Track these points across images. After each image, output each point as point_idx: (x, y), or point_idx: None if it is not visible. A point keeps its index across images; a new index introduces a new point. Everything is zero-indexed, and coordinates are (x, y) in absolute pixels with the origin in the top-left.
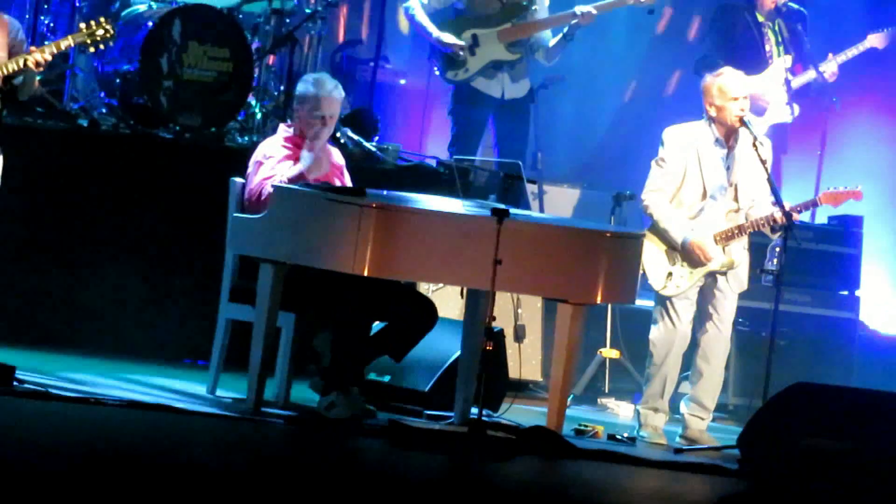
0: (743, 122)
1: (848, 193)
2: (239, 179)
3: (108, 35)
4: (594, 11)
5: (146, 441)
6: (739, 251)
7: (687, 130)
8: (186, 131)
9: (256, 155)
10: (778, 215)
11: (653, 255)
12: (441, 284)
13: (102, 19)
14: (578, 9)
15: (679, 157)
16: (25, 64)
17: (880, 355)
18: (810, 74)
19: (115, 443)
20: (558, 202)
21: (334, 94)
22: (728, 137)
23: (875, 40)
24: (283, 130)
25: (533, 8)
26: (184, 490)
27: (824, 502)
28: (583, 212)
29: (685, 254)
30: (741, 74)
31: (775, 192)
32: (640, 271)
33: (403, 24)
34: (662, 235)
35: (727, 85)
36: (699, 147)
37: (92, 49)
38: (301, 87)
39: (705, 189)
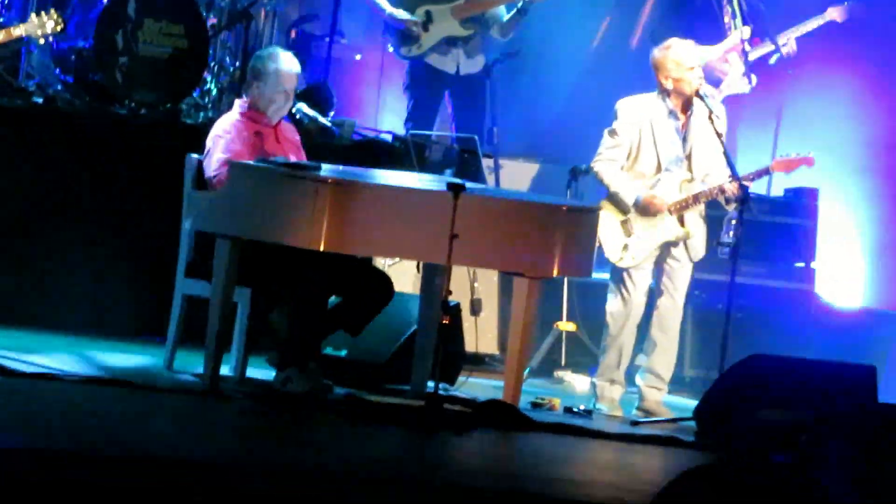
0: (699, 95)
1: (800, 160)
2: (195, 156)
3: (57, 28)
4: None
5: (104, 417)
6: (695, 221)
7: (640, 102)
8: (142, 108)
9: (213, 131)
10: (728, 186)
11: (609, 228)
12: (397, 259)
13: (53, 11)
14: None
15: (632, 129)
16: None
17: (835, 327)
18: (768, 47)
19: (72, 419)
20: (514, 176)
21: (293, 68)
22: (683, 109)
23: (834, 13)
24: (239, 106)
25: None
26: (141, 466)
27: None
28: (539, 186)
29: (641, 211)
30: (691, 44)
31: (731, 164)
32: (597, 244)
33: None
34: (616, 202)
35: (681, 56)
36: (653, 119)
37: (41, 41)
38: (258, 63)
39: (659, 161)
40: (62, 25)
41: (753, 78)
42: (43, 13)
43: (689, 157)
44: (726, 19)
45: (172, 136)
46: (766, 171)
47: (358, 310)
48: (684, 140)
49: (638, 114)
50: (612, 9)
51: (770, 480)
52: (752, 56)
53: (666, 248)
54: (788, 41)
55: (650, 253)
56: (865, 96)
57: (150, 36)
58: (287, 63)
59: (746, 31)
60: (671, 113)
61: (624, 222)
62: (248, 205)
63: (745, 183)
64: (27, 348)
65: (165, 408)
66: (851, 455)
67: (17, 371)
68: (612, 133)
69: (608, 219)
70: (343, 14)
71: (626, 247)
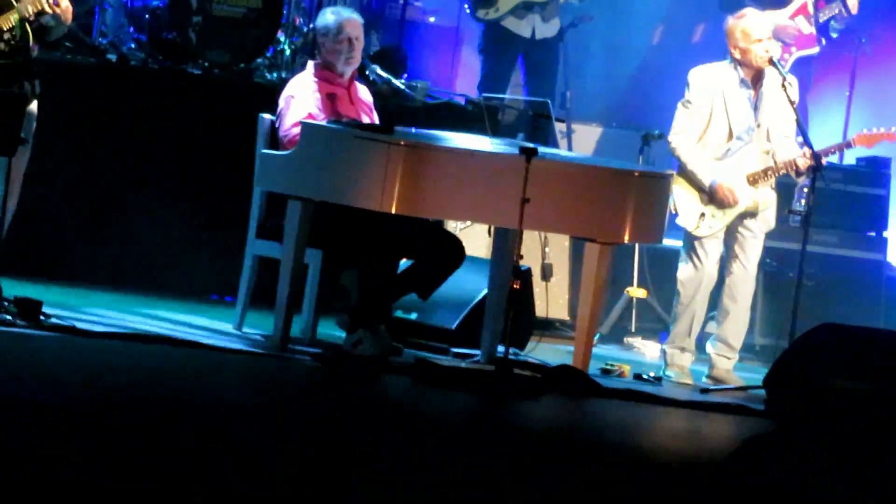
0: (772, 62)
1: (882, 135)
2: (267, 116)
3: None
4: None
5: (173, 377)
6: (767, 192)
7: (712, 72)
8: (215, 67)
9: (286, 92)
10: (801, 162)
11: (685, 197)
12: (468, 222)
13: None
14: None
15: (705, 99)
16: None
17: None
18: (835, 8)
19: (142, 379)
20: (587, 141)
21: (353, 16)
22: (755, 79)
23: None
24: (312, 67)
25: None
26: (211, 426)
27: (849, 443)
28: (611, 151)
29: (713, 196)
30: (764, 15)
31: (804, 133)
32: (671, 212)
33: None
34: (691, 178)
35: (750, 27)
36: (725, 88)
37: None
38: (319, 20)
39: (731, 130)
40: None
41: (822, 40)
42: None
43: (762, 126)
44: None
45: (245, 97)
46: (847, 145)
47: (428, 273)
48: (756, 109)
49: (710, 83)
50: None
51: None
52: (822, 17)
53: (739, 218)
54: (853, 3)
55: (726, 222)
56: None
57: None
58: (345, 12)
59: None
60: (742, 82)
61: (701, 191)
62: (319, 166)
63: (826, 154)
64: (98, 307)
65: (235, 369)
66: None
67: (89, 331)
68: (686, 104)
69: (685, 188)
70: None
71: (702, 215)
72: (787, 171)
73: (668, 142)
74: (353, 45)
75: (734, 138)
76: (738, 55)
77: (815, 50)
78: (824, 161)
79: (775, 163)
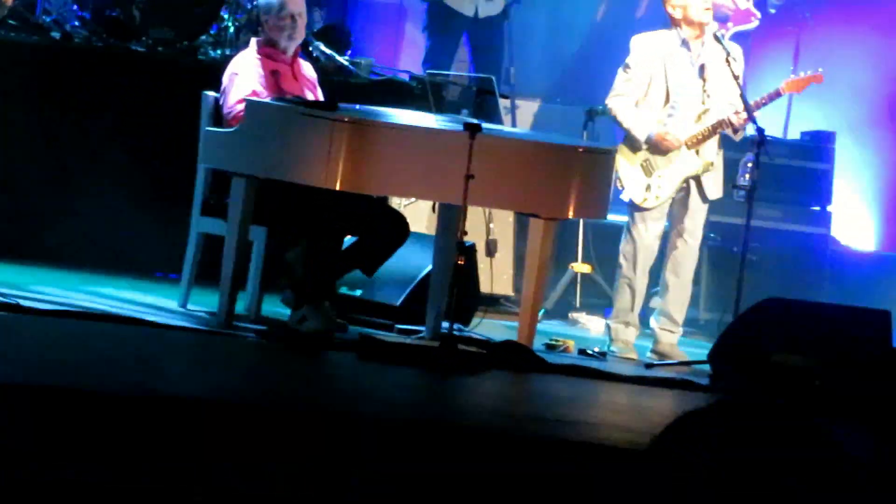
0: (715, 37)
1: (809, 78)
2: (211, 93)
3: None
4: None
5: (118, 354)
6: (714, 152)
7: (654, 38)
8: (159, 45)
9: (230, 69)
10: (734, 118)
11: (630, 170)
12: (413, 199)
13: None
14: None
15: (646, 64)
16: None
17: (851, 271)
18: None
19: (87, 356)
20: (531, 117)
21: None
22: (696, 38)
23: None
24: (255, 44)
25: None
26: (156, 404)
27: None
28: (555, 127)
29: (653, 148)
30: None
31: (748, 107)
32: (617, 187)
33: None
34: (633, 143)
35: None
36: (667, 52)
37: None
38: None
39: (670, 93)
40: None
41: (758, 14)
42: None
43: (703, 89)
44: None
45: (189, 74)
46: (777, 94)
47: (373, 249)
48: (700, 70)
49: (652, 48)
50: None
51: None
52: None
53: (683, 189)
54: None
55: (674, 190)
56: (885, 40)
57: None
58: None
59: None
60: (684, 42)
61: (644, 162)
62: (263, 143)
63: (757, 106)
64: (42, 284)
65: (179, 346)
66: (864, 400)
67: (31, 308)
68: (626, 68)
69: (628, 161)
70: None
71: (648, 187)
72: (724, 129)
73: (605, 104)
74: (295, 22)
75: (675, 101)
76: (678, 14)
77: (753, 25)
78: (757, 114)
79: (709, 124)
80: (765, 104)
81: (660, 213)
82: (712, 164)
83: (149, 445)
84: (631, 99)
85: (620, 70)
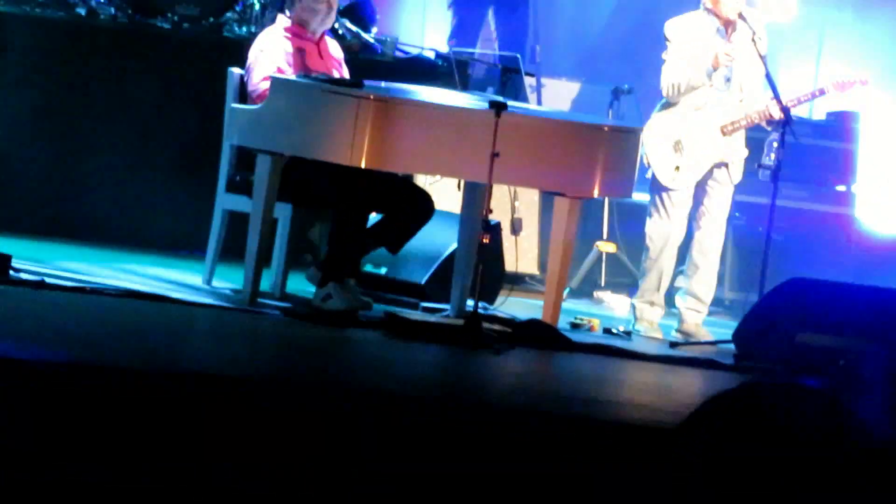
0: (741, 16)
1: (854, 81)
2: (237, 70)
3: None
4: None
5: (142, 331)
6: (739, 143)
7: (688, 21)
8: (185, 21)
9: (255, 46)
10: (774, 111)
11: (660, 150)
12: (438, 177)
13: None
14: None
15: (685, 47)
16: None
17: (874, 252)
18: None
19: (110, 333)
20: (557, 95)
21: None
22: (727, 28)
23: None
24: (282, 21)
25: None
26: (183, 380)
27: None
28: (581, 106)
29: (718, 63)
30: None
31: (773, 87)
32: (645, 164)
33: None
34: (690, 94)
35: None
36: (702, 37)
37: None
38: None
39: (711, 78)
40: None
41: (794, 4)
42: None
43: (733, 79)
44: None
45: (215, 51)
46: (821, 92)
47: (398, 227)
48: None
49: (687, 33)
50: None
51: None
52: None
53: (710, 171)
54: None
55: (701, 173)
56: None
57: None
58: None
59: None
60: (718, 30)
61: (676, 143)
62: (288, 120)
63: (794, 104)
64: (68, 261)
65: (205, 322)
66: (889, 383)
67: (57, 285)
68: (668, 56)
69: (659, 140)
70: None
71: (678, 168)
72: (760, 121)
73: (661, 90)
74: (330, 8)
75: (713, 87)
76: (709, 4)
77: (787, 18)
78: (794, 111)
79: (748, 113)
80: (804, 101)
81: (687, 194)
82: (738, 152)
83: (173, 422)
84: (683, 79)
85: (664, 57)
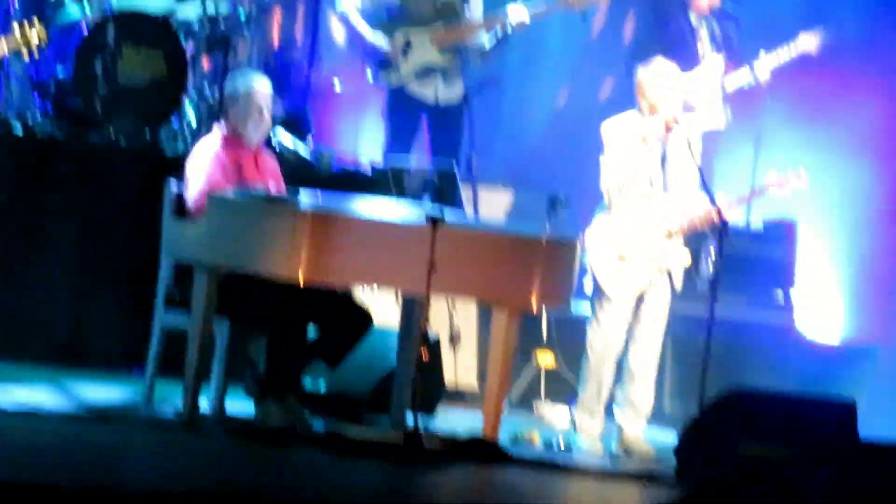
0: (677, 122)
1: (791, 177)
2: (174, 181)
3: (42, 39)
4: (527, 21)
5: (81, 451)
6: (682, 249)
7: (624, 122)
8: (120, 134)
9: (192, 158)
10: (716, 216)
11: (602, 256)
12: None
13: (36, 20)
14: (512, 17)
15: (622, 148)
16: None
17: (814, 361)
18: (744, 75)
19: (49, 453)
20: (493, 205)
21: (264, 87)
22: (663, 131)
23: (807, 41)
24: (218, 132)
25: (466, 7)
26: (122, 500)
27: None
28: (518, 214)
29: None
30: (674, 64)
31: (709, 192)
32: (588, 273)
33: (337, 32)
34: (631, 197)
35: (662, 73)
36: (638, 137)
37: (26, 56)
38: (229, 86)
39: (651, 180)
40: (45, 37)
41: (728, 112)
42: (26, 23)
43: (670, 179)
44: (700, 48)
45: (151, 166)
46: (762, 191)
47: (336, 342)
48: (665, 161)
49: (624, 133)
50: (592, 38)
51: None
52: (729, 87)
53: (650, 278)
54: (763, 67)
55: (647, 281)
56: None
57: (129, 64)
58: (258, 82)
59: (720, 61)
60: (652, 133)
61: (619, 250)
62: (226, 235)
63: (742, 202)
64: (5, 380)
65: (143, 442)
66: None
67: None
68: (606, 158)
69: (602, 245)
70: (322, 42)
71: (621, 276)
72: (702, 227)
73: (602, 192)
74: (262, 117)
75: (653, 188)
76: (645, 107)
77: (722, 126)
78: (731, 221)
79: (690, 219)
80: (745, 202)
81: (629, 302)
82: (685, 259)
83: None
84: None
85: (602, 160)
